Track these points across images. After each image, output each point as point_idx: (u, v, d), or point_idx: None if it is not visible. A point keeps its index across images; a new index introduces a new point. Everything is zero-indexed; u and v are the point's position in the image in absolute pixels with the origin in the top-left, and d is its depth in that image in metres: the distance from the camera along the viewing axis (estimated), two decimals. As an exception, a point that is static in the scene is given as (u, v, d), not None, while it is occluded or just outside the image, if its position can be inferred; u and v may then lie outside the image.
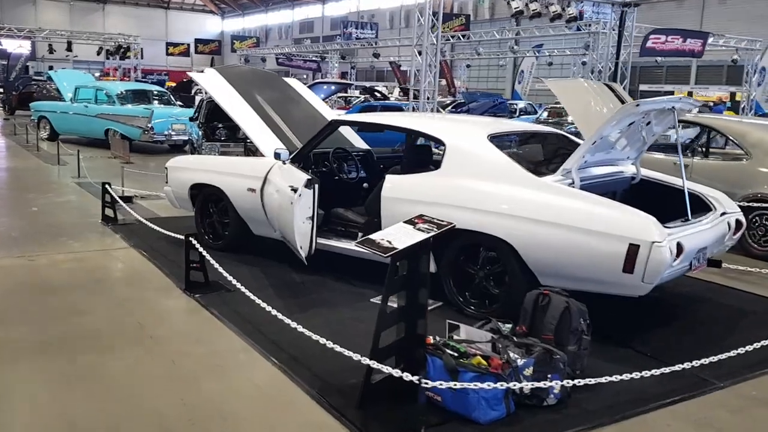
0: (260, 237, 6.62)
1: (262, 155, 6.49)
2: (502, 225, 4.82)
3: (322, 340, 3.95)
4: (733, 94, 40.37)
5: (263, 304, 4.64)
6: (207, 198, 6.93)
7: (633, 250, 4.37)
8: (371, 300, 5.46)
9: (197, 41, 51.86)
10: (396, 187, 5.44)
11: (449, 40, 31.37)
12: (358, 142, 7.42)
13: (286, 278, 6.04)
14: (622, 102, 10.31)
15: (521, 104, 24.74)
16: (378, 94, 21.06)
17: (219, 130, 11.30)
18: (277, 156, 6.02)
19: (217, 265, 5.30)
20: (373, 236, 3.69)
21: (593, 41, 17.82)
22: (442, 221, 3.72)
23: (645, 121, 5.41)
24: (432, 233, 3.58)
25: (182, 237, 5.98)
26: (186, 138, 15.96)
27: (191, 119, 13.00)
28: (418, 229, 3.66)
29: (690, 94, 33.04)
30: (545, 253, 4.71)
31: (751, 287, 6.28)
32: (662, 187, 5.87)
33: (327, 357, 4.06)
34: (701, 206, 5.50)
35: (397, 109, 15.04)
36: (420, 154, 6.16)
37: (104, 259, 6.54)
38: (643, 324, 5.19)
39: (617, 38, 14.35)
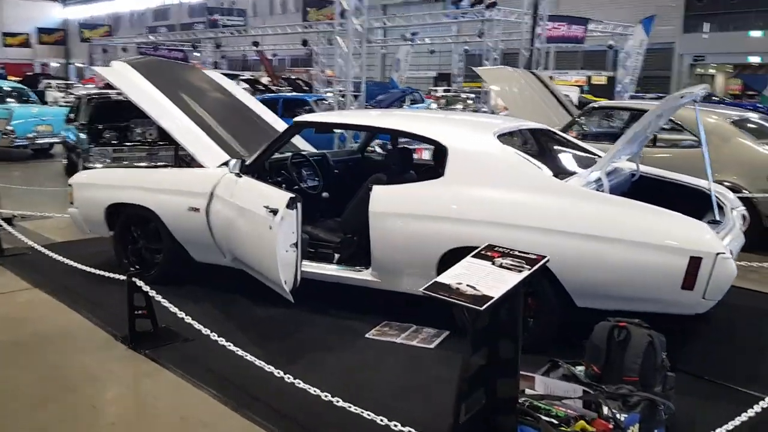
0: (203, 264, 5.52)
1: (200, 166, 5.40)
2: (532, 241, 4.09)
3: (334, 400, 3.25)
4: (589, 78, 42.39)
5: (243, 354, 3.75)
6: (129, 220, 5.71)
7: (694, 264, 3.79)
8: (367, 336, 4.60)
9: (40, 30, 47.54)
10: (389, 200, 4.57)
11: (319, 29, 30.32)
12: (304, 145, 6.45)
13: (251, 315, 5.00)
14: (548, 88, 9.98)
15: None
16: (261, 86, 19.62)
17: (107, 132, 9.80)
18: (240, 170, 4.98)
19: (175, 309, 4.22)
20: (442, 280, 2.83)
21: (487, 28, 17.56)
22: (530, 254, 2.92)
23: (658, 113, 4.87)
24: (525, 272, 2.77)
25: (100, 272, 4.99)
26: (53, 141, 14.09)
27: (68, 120, 11.29)
28: (502, 266, 2.83)
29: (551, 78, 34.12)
30: (586, 272, 4.03)
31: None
32: (660, 183, 5.38)
33: (344, 422, 3.29)
34: (705, 203, 5.05)
35: (302, 102, 13.97)
36: (405, 160, 5.30)
37: (5, 308, 5.17)
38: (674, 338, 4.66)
39: (532, 23, 14.09)
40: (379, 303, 4.98)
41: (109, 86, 29.54)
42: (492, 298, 2.59)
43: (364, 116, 5.38)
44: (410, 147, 5.58)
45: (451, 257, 4.34)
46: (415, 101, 22.07)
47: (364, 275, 4.78)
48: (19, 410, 3.66)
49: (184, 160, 6.44)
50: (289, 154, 5.71)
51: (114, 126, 10.02)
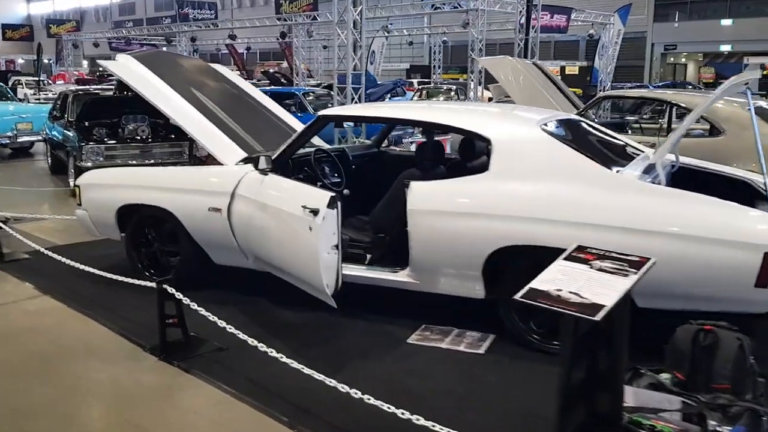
0: (222, 266, 5.24)
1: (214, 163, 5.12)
2: (589, 239, 3.88)
3: (399, 411, 3.08)
4: (563, 68, 42.45)
5: (289, 361, 3.56)
6: (143, 222, 5.40)
7: (769, 260, 3.61)
8: (409, 341, 4.36)
9: (4, 26, 46.14)
10: (430, 197, 4.32)
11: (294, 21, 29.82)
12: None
13: (282, 321, 4.73)
14: (550, 78, 9.81)
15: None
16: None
17: (97, 130, 9.38)
18: (254, 163, 4.70)
19: (214, 318, 3.95)
20: (538, 286, 2.61)
21: (472, 19, 17.34)
22: (630, 256, 2.70)
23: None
24: (633, 276, 2.56)
25: (118, 277, 4.78)
26: (33, 140, 13.57)
27: (55, 117, 10.83)
28: (603, 270, 2.62)
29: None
30: (650, 270, 3.83)
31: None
32: (699, 173, 5.21)
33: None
34: (747, 194, 4.90)
35: (289, 95, 13.61)
36: (437, 154, 5.05)
37: (18, 318, 4.82)
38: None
39: (526, 13, 13.90)
40: (412, 305, 4.76)
41: (85, 82, 28.74)
42: (604, 306, 2.37)
43: (395, 109, 5.10)
44: (440, 141, 5.31)
45: (498, 257, 4.14)
46: (397, 94, 21.81)
47: (401, 276, 4.54)
48: (51, 429, 3.37)
49: (199, 158, 6.11)
50: (311, 149, 5.43)
51: (104, 123, 9.61)
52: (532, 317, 4.20)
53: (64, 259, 5.42)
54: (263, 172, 4.71)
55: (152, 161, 9.27)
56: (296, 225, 4.14)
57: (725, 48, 40.41)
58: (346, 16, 9.89)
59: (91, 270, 5.11)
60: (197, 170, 5.31)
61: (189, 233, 5.13)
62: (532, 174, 4.15)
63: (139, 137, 9.38)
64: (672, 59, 43.63)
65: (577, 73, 39.13)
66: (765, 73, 37.90)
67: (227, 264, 5.21)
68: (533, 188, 4.10)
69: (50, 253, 5.69)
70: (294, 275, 4.37)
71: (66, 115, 10.16)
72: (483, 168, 4.42)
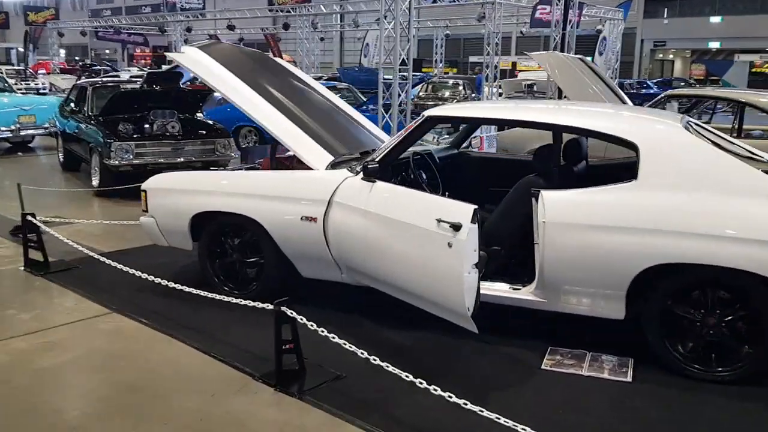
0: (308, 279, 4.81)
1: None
2: (761, 257, 3.53)
3: None
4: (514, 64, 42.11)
5: (432, 389, 3.17)
6: (221, 231, 4.94)
7: None
8: (544, 368, 3.95)
9: (-23, 14, 44.75)
10: (569, 209, 3.92)
11: (290, 12, 29.22)
12: None
13: (394, 343, 4.29)
14: (597, 74, 9.47)
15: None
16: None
17: (123, 125, 8.82)
18: (366, 170, 4.27)
19: (336, 338, 3.52)
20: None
21: (489, 12, 16.93)
22: None
23: None
24: None
25: (199, 292, 4.29)
26: (37, 133, 12.92)
27: (70, 111, 10.20)
28: None
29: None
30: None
31: None
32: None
33: None
34: None
35: None
36: (554, 159, 4.64)
37: (94, 341, 4.32)
38: None
39: (564, 8, 13.55)
40: (520, 323, 4.41)
41: (68, 72, 27.62)
42: None
43: (516, 110, 4.67)
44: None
45: (649, 275, 3.77)
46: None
47: (524, 294, 4.15)
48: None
49: (282, 161, 5.64)
50: (408, 152, 5.00)
51: (128, 118, 9.04)
52: (680, 339, 3.84)
53: (127, 269, 4.91)
54: (370, 178, 4.28)
55: (182, 159, 8.75)
56: (429, 241, 3.72)
57: (714, 45, 40.58)
58: (395, 7, 9.43)
59: (164, 282, 4.61)
60: (285, 175, 4.85)
61: (276, 244, 4.68)
62: (687, 182, 3.77)
63: (169, 134, 8.84)
64: (660, 55, 43.77)
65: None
66: (754, 70, 38.29)
67: (316, 277, 4.78)
68: (691, 198, 3.72)
69: (108, 261, 5.16)
70: (422, 297, 3.93)
71: (85, 109, 9.56)
72: (610, 175, 4.06)
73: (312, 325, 3.63)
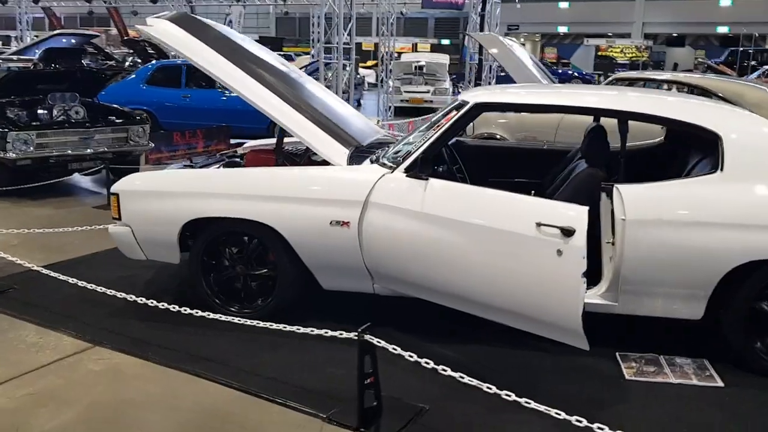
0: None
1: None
2: None
3: None
4: (414, 45, 42.86)
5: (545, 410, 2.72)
6: (219, 240, 4.16)
7: None
8: (630, 378, 3.62)
9: None
10: (652, 204, 3.57)
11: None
12: None
13: (457, 358, 3.77)
14: (532, 58, 9.35)
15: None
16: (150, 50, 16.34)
17: (11, 111, 7.46)
18: (414, 167, 3.70)
19: (428, 363, 2.98)
20: None
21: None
22: None
23: None
24: None
25: (206, 315, 3.57)
26: None
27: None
28: None
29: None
30: None
31: None
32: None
33: None
34: None
35: (175, 67, 11.96)
36: (604, 148, 4.25)
37: (93, 387, 3.38)
38: None
39: None
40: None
41: None
42: None
43: (577, 96, 4.05)
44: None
45: (738, 274, 3.53)
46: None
47: (591, 298, 3.76)
48: None
49: (293, 155, 4.84)
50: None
51: (21, 102, 7.71)
52: (761, 337, 3.65)
53: (89, 285, 4.07)
54: (419, 176, 3.71)
55: (92, 150, 7.58)
56: (527, 248, 3.24)
57: (562, 29, 42.74)
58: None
59: (151, 303, 3.81)
60: (306, 173, 4.13)
61: (294, 253, 3.99)
62: (774, 173, 3.56)
63: (74, 120, 7.63)
64: (514, 39, 45.46)
65: (429, 50, 39.54)
66: (600, 53, 40.76)
67: (340, 289, 4.15)
68: (783, 190, 3.51)
69: (55, 275, 4.25)
70: (513, 312, 3.44)
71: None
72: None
73: (395, 349, 3.03)
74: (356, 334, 3.01)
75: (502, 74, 18.31)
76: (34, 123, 7.39)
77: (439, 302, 3.79)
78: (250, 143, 5.78)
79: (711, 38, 43.72)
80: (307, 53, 34.62)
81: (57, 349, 3.79)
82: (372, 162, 4.11)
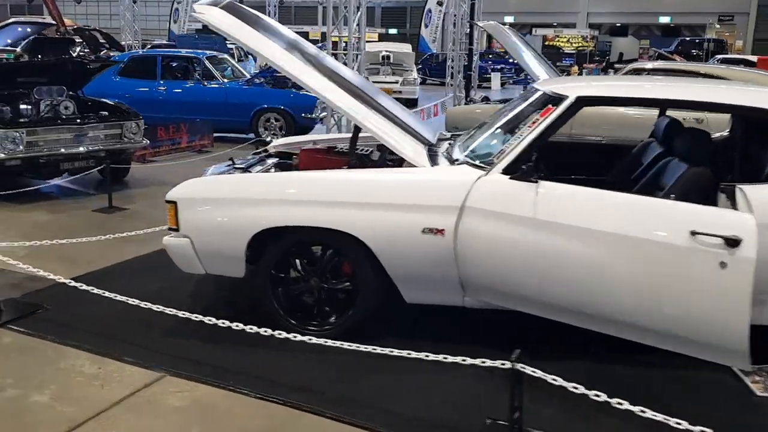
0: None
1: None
2: None
3: None
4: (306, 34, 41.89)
5: None
6: (291, 250, 3.78)
7: None
8: (760, 394, 3.39)
9: None
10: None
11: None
12: None
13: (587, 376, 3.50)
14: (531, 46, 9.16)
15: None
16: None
17: (13, 108, 6.81)
18: (514, 169, 3.40)
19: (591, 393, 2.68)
20: None
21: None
22: None
23: None
24: None
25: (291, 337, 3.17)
26: None
27: None
28: None
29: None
30: None
31: None
32: None
33: None
34: None
35: (188, 61, 11.33)
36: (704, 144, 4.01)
37: (189, 429, 3.01)
38: None
39: None
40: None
41: None
42: None
43: (691, 89, 3.84)
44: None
45: None
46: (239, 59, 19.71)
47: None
48: None
49: (364, 156, 4.42)
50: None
51: (3, 96, 7.05)
52: None
53: (136, 301, 3.64)
54: (527, 178, 3.41)
55: (85, 148, 7.00)
56: (682, 261, 2.96)
57: (509, 19, 42.91)
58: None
59: (210, 321, 3.42)
60: (390, 176, 3.76)
61: (379, 264, 3.64)
62: None
63: (64, 116, 7.02)
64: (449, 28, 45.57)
65: (377, 40, 39.17)
66: (547, 43, 41.16)
67: (425, 302, 3.82)
68: None
69: (93, 290, 3.79)
70: (656, 330, 3.15)
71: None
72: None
73: (555, 380, 2.73)
74: (511, 363, 2.69)
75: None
76: (21, 120, 6.75)
77: (546, 316, 3.51)
78: (280, 141, 5.37)
79: (653, 28, 44.75)
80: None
81: (123, 381, 3.35)
82: (452, 162, 3.80)
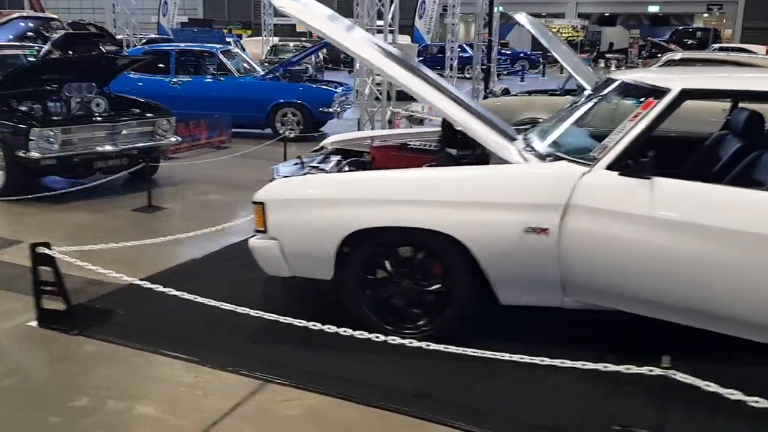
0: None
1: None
2: None
3: None
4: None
5: None
6: (380, 252, 3.67)
7: None
8: None
9: None
10: None
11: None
12: None
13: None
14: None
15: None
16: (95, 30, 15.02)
17: (26, 105, 6.62)
18: (621, 164, 3.32)
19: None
20: None
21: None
22: None
23: None
24: None
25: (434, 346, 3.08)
26: None
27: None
28: None
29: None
30: None
31: None
32: None
33: None
34: None
35: (203, 55, 11.08)
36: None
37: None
38: None
39: None
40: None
41: None
42: None
43: None
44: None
45: None
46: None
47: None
48: None
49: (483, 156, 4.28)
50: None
51: (29, 94, 6.85)
52: None
53: (222, 304, 3.50)
54: (636, 174, 3.32)
55: (120, 147, 6.82)
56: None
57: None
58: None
59: (300, 323, 3.32)
60: (485, 173, 3.65)
61: (476, 265, 3.54)
62: None
63: (96, 114, 6.84)
64: (449, 19, 45.33)
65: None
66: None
67: (520, 303, 3.71)
68: None
69: (171, 291, 3.64)
70: None
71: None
72: None
73: (708, 385, 2.63)
74: (659, 369, 2.60)
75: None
76: (54, 118, 6.55)
77: (653, 315, 3.43)
78: (332, 138, 5.24)
79: (642, 17, 44.91)
80: (240, 36, 33.44)
81: (225, 390, 3.23)
82: (542, 157, 3.69)
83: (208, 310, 3.58)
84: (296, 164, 4.50)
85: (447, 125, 4.89)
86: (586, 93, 5.07)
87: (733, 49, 18.11)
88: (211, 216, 6.41)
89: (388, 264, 3.69)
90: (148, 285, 3.79)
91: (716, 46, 23.28)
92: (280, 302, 4.29)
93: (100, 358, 3.51)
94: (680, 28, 33.93)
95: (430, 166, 4.02)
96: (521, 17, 7.95)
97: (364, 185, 3.69)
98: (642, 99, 3.66)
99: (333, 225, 3.59)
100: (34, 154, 6.21)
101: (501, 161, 3.76)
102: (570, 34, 40.37)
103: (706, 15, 42.79)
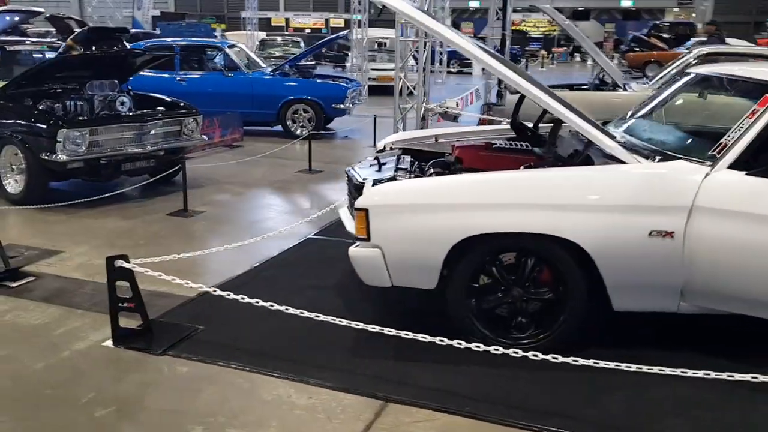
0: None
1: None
2: None
3: None
4: (327, 21, 41.76)
5: None
6: (489, 258, 3.47)
7: None
8: None
9: None
10: None
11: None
12: None
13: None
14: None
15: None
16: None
17: (47, 104, 6.26)
18: (743, 164, 3.20)
19: None
20: None
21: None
22: None
23: None
24: None
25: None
26: None
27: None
28: None
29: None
30: None
31: None
32: None
33: None
34: None
35: (205, 49, 10.72)
36: None
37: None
38: None
39: None
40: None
41: None
42: None
43: None
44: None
45: None
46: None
47: None
48: None
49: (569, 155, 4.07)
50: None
51: (49, 93, 6.49)
52: None
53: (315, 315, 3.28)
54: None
55: (148, 147, 6.50)
56: None
57: (474, 4, 42.92)
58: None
59: (406, 335, 3.12)
60: (601, 174, 3.47)
61: (595, 271, 3.36)
62: None
63: (123, 113, 6.51)
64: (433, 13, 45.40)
65: (343, 25, 38.63)
66: (513, 27, 41.27)
67: (635, 309, 3.55)
68: None
69: (259, 301, 3.39)
70: None
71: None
72: None
73: None
74: None
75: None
76: (81, 118, 6.21)
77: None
78: (391, 138, 5.04)
79: (614, 12, 45.32)
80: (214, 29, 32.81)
81: (346, 411, 3.00)
82: (650, 157, 3.53)
83: (288, 319, 3.37)
84: (372, 165, 4.28)
85: (517, 124, 4.72)
86: (660, 87, 4.91)
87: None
88: (252, 219, 6.15)
89: (495, 271, 3.50)
90: (219, 293, 3.56)
91: (695, 40, 23.46)
92: (371, 311, 4.05)
93: (201, 381, 3.25)
94: (658, 22, 34.22)
95: (529, 166, 3.82)
96: (549, 9, 7.83)
97: (476, 190, 3.48)
98: (743, 94, 3.54)
99: (442, 231, 3.38)
100: (62, 157, 5.87)
101: (607, 162, 3.61)
102: (546, 29, 40.59)
103: (676, 9, 43.33)
